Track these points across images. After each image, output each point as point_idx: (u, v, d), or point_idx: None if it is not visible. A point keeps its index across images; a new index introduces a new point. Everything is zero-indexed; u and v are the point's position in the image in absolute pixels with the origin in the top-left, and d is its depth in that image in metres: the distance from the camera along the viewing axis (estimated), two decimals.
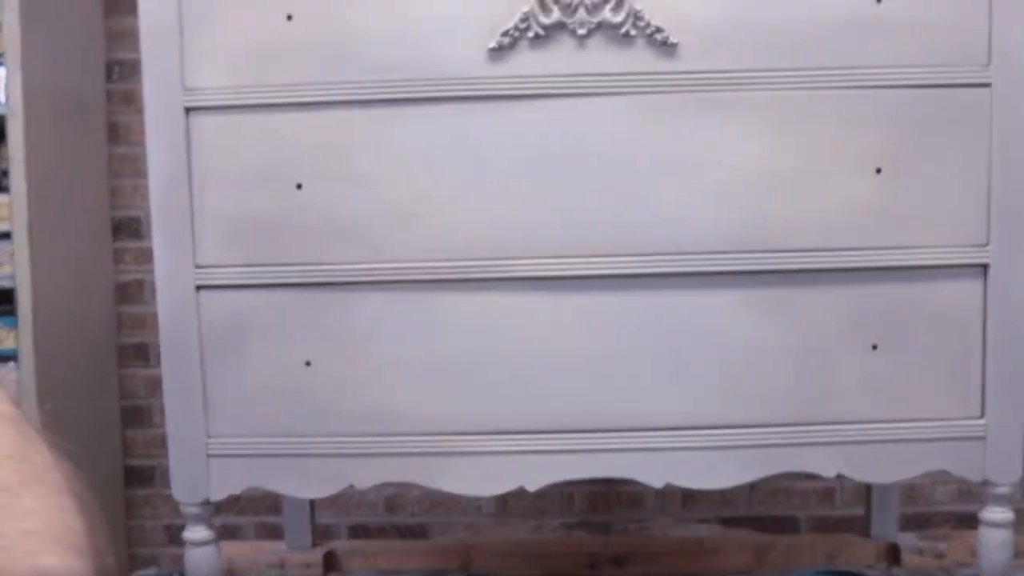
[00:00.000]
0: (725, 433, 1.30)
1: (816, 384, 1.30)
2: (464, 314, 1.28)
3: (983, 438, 1.31)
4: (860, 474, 1.33)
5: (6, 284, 1.79)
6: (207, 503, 1.30)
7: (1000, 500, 1.33)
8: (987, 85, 1.26)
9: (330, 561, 1.72)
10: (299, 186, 1.24)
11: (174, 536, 1.71)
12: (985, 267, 1.29)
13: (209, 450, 1.28)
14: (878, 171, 1.28)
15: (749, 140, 1.27)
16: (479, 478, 1.30)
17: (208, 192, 1.24)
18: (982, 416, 1.31)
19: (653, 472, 1.31)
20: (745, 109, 1.26)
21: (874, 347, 1.30)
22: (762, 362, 1.30)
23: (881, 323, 1.30)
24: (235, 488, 1.28)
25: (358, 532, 2.08)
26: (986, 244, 1.29)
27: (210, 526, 1.32)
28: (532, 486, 1.30)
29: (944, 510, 2.07)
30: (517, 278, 1.28)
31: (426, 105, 1.24)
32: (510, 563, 1.74)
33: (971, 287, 1.30)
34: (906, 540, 1.74)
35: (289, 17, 1.22)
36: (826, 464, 1.31)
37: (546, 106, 1.25)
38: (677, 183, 1.27)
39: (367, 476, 1.30)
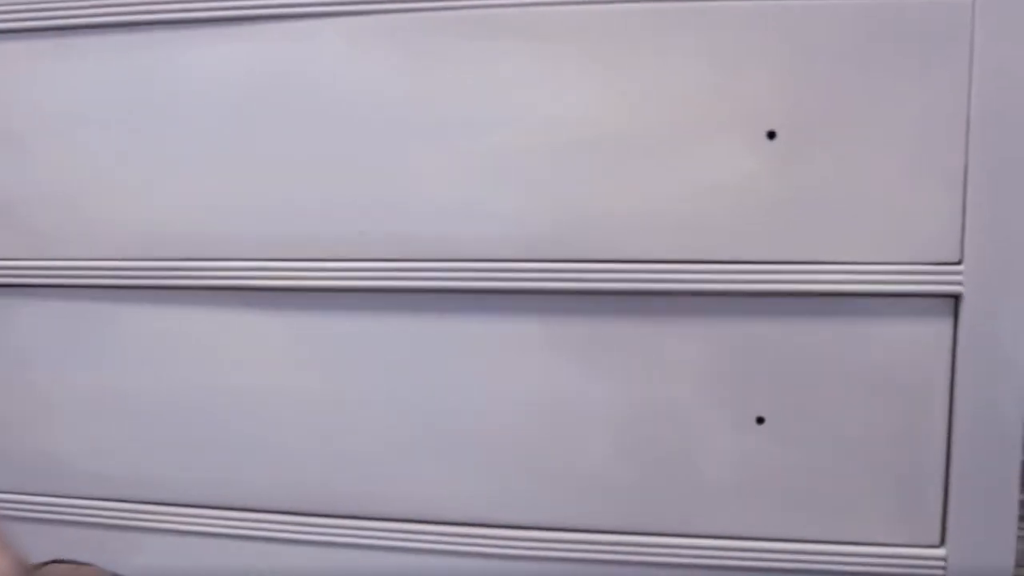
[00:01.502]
0: (521, 537, 0.86)
1: (664, 474, 0.83)
2: (152, 334, 0.90)
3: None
4: None
5: None
6: None
7: None
8: None
9: None
10: None
11: None
12: (956, 298, 0.77)
13: None
14: (771, 136, 0.78)
15: (562, 87, 0.81)
16: (175, 563, 0.92)
17: None
18: (942, 543, 0.79)
19: None
20: (555, 38, 0.80)
21: (759, 420, 0.81)
22: (580, 435, 0.84)
23: (771, 383, 0.81)
24: None
25: None
26: (957, 261, 0.77)
27: None
28: None
29: None
30: (223, 287, 0.88)
31: (85, 35, 0.87)
32: None
33: (929, 331, 0.78)
34: None
35: None
36: None
37: (255, 35, 0.85)
38: (449, 154, 0.83)
39: (34, 547, 0.95)
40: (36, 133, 0.89)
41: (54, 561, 0.95)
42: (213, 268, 0.88)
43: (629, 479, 0.83)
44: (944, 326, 0.78)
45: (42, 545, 0.95)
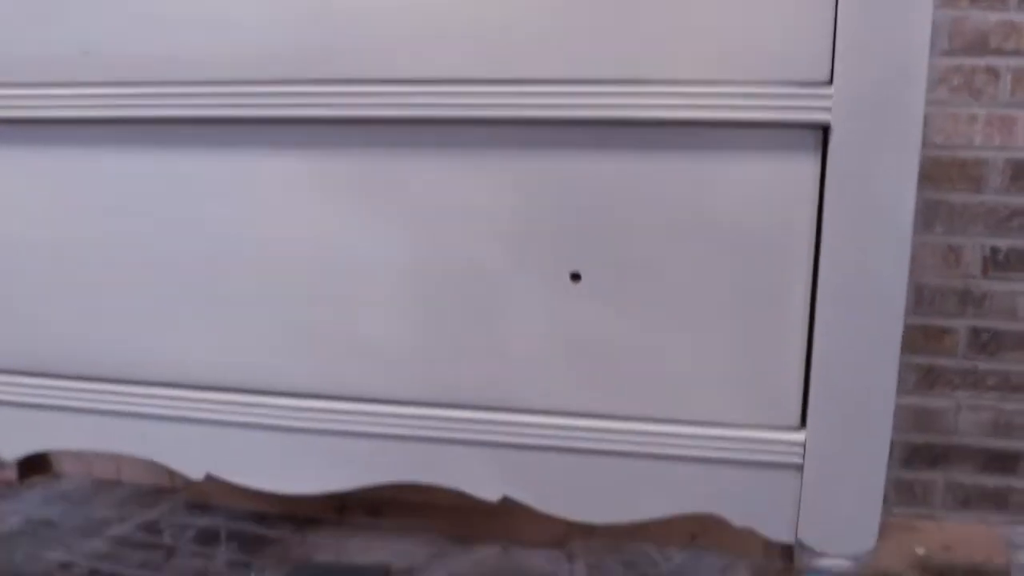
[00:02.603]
0: (295, 407, 0.72)
1: (465, 340, 0.68)
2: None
3: (799, 466, 0.66)
4: (548, 504, 0.71)
5: None
6: None
7: None
8: None
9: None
10: None
11: None
12: (824, 130, 0.59)
13: None
14: None
15: None
16: None
17: None
18: (802, 425, 0.65)
19: (190, 461, 0.76)
20: None
21: (575, 277, 0.65)
22: (359, 295, 0.68)
23: (588, 231, 0.64)
24: None
25: None
26: (826, 81, 0.57)
27: None
28: None
29: None
30: None
31: None
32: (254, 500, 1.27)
33: (788, 168, 0.60)
34: None
35: None
36: (481, 477, 0.71)
37: None
38: None
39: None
40: None
41: None
42: None
43: (417, 345, 0.68)
44: (808, 163, 0.59)
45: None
